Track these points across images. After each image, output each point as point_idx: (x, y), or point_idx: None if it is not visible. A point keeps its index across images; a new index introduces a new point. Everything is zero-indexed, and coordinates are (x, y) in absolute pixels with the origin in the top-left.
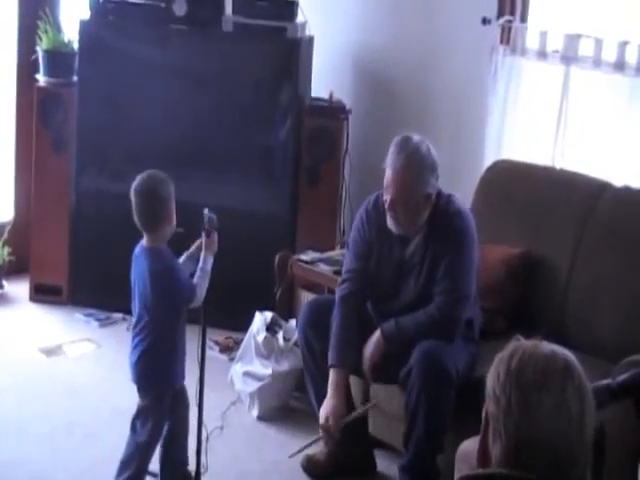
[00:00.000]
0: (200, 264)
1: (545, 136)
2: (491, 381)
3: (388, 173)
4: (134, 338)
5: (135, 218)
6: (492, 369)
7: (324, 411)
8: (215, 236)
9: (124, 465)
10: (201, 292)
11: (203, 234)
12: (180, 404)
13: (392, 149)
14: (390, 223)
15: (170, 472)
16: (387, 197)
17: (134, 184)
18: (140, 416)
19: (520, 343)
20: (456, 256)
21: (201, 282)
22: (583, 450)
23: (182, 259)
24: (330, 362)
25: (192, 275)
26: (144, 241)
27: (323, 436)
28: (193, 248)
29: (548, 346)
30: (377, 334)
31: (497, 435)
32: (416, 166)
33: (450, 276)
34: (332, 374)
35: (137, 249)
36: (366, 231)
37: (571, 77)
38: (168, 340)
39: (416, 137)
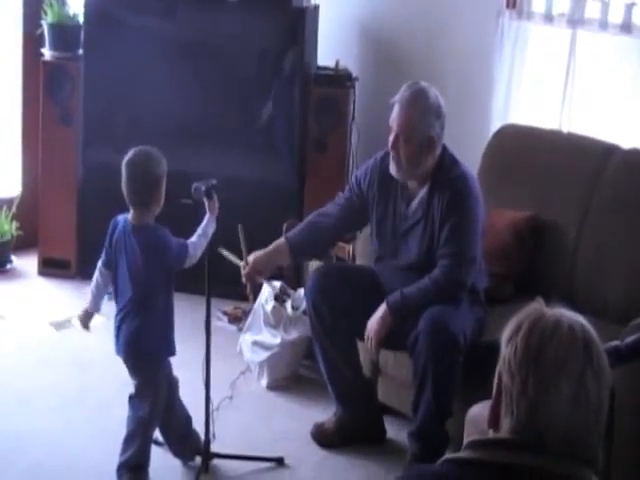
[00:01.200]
0: (202, 225)
1: (552, 100)
2: (507, 351)
3: (394, 110)
4: (124, 319)
5: (124, 192)
6: (508, 333)
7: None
8: (214, 200)
9: (127, 442)
10: (195, 251)
11: (205, 199)
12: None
13: (401, 89)
14: (392, 167)
15: (175, 434)
16: (391, 135)
17: (127, 158)
18: (138, 393)
19: (541, 314)
20: (460, 218)
21: (198, 242)
22: (598, 433)
23: (198, 234)
24: (286, 235)
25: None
26: (131, 218)
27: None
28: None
29: (567, 319)
30: (382, 308)
31: (509, 409)
32: (421, 103)
33: (454, 239)
34: (279, 241)
35: (120, 227)
36: (372, 173)
37: (578, 40)
38: (164, 311)
39: (425, 83)
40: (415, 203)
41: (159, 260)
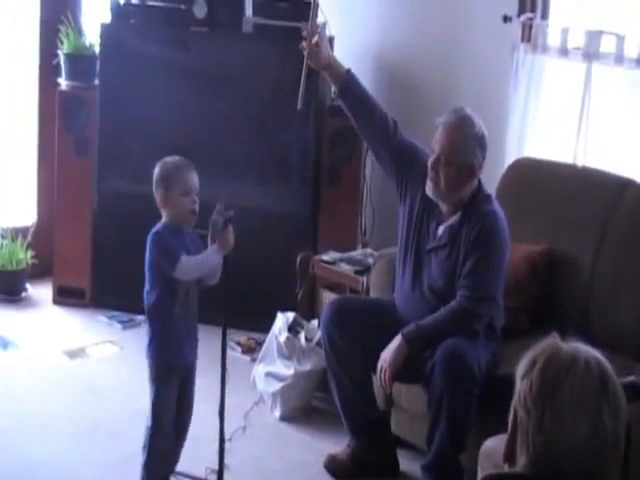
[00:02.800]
0: (207, 251)
1: (567, 134)
2: (523, 386)
3: (438, 131)
4: None
5: None
6: (524, 369)
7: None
8: (228, 232)
9: (143, 449)
10: (188, 265)
11: (210, 226)
12: (186, 407)
13: (446, 113)
14: (428, 187)
15: None
16: (432, 157)
17: None
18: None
19: (557, 349)
20: (485, 255)
21: (195, 259)
22: (614, 469)
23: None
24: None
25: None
26: None
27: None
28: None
29: (583, 354)
30: (398, 339)
31: (525, 445)
32: (466, 129)
33: (476, 273)
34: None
35: None
36: (422, 164)
37: (593, 74)
38: (160, 313)
39: (472, 111)
40: (444, 227)
41: (152, 251)
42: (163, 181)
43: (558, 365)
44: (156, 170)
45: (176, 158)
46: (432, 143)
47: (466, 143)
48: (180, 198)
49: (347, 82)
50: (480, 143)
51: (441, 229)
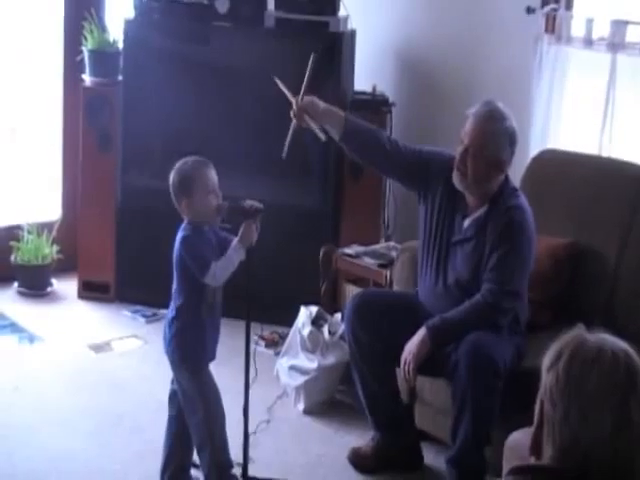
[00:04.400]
0: (230, 249)
1: (592, 125)
2: (549, 379)
3: (468, 122)
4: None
5: None
6: (550, 361)
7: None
8: (252, 227)
9: (166, 460)
10: (217, 271)
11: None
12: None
13: (478, 104)
14: (455, 177)
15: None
16: (460, 147)
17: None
18: (172, 399)
19: (583, 341)
20: (511, 249)
21: (222, 264)
22: None
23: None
24: (347, 115)
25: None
26: None
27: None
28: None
29: (609, 346)
30: (421, 332)
31: (551, 437)
32: (497, 123)
33: (501, 268)
34: (340, 110)
35: None
36: (439, 172)
37: (618, 65)
38: (188, 313)
39: (503, 106)
40: (470, 220)
41: (179, 263)
42: (184, 184)
43: (584, 358)
44: (173, 175)
45: (191, 159)
46: (461, 134)
47: (496, 137)
48: (205, 198)
49: (346, 129)
50: (510, 138)
51: (467, 222)
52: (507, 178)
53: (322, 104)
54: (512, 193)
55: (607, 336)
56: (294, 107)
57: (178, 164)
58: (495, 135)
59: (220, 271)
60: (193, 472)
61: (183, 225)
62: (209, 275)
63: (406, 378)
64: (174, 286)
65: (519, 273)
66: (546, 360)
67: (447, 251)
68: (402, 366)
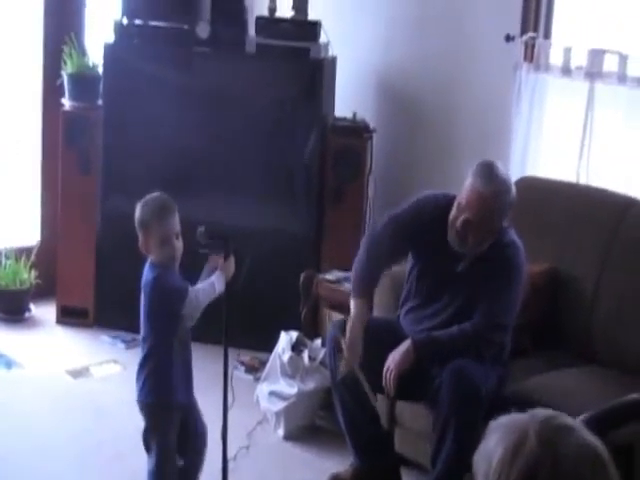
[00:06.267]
0: (211, 279)
1: (570, 153)
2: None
3: (470, 195)
4: (140, 362)
5: None
6: (513, 442)
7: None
8: (232, 260)
9: None
10: (196, 298)
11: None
12: (194, 437)
13: (478, 172)
14: (452, 239)
15: None
16: (462, 216)
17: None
18: (146, 438)
19: (524, 437)
20: (504, 285)
21: (201, 289)
22: None
23: (198, 287)
24: (354, 294)
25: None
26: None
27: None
28: (205, 271)
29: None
30: (407, 343)
31: None
32: (502, 198)
33: (494, 301)
34: (356, 304)
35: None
36: (432, 216)
37: (596, 93)
38: (164, 354)
39: (502, 167)
40: (464, 263)
41: (157, 293)
42: (142, 227)
43: (527, 456)
44: (136, 212)
45: (156, 199)
46: (460, 198)
47: (501, 212)
48: (159, 246)
49: (371, 302)
50: (511, 206)
51: (461, 266)
52: None
53: (355, 328)
54: (506, 231)
55: (568, 421)
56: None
57: (141, 202)
58: (500, 211)
59: (201, 296)
60: None
61: (147, 266)
62: (188, 301)
63: (387, 387)
64: (142, 333)
65: (511, 308)
66: (507, 442)
67: (436, 291)
68: (384, 373)
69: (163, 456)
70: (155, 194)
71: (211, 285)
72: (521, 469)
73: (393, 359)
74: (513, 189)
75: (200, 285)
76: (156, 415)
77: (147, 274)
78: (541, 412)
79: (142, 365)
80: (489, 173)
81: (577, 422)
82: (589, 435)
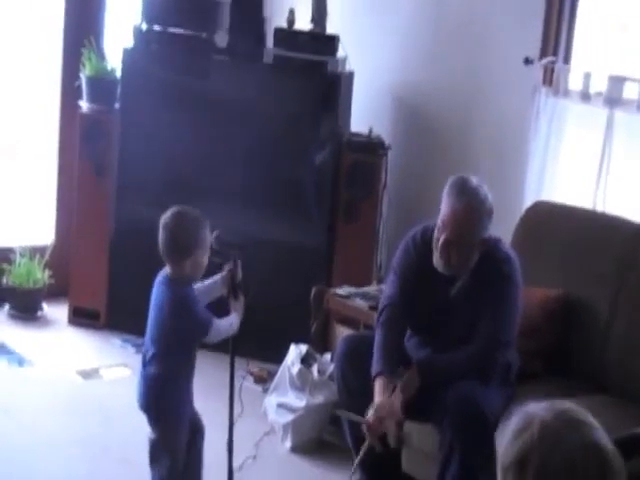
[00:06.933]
0: (230, 319)
1: (587, 179)
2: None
3: (446, 213)
4: (145, 367)
5: (160, 249)
6: (516, 426)
7: (372, 410)
8: (242, 300)
9: None
10: (218, 332)
11: (226, 269)
12: (196, 437)
13: (450, 190)
14: (438, 262)
15: None
16: (442, 236)
17: (163, 217)
18: (154, 450)
19: (530, 423)
20: (502, 302)
21: (223, 326)
22: None
23: (203, 284)
24: (376, 371)
25: (210, 309)
26: (167, 270)
27: (369, 435)
28: (217, 279)
29: (578, 447)
30: (412, 370)
31: None
32: (476, 210)
33: (494, 320)
34: (379, 382)
35: (159, 277)
36: (413, 258)
37: (615, 120)
38: (179, 370)
39: (474, 180)
40: (458, 286)
41: (180, 319)
42: (201, 241)
43: (552, 454)
44: (185, 223)
45: (191, 214)
46: (440, 220)
47: (478, 226)
48: (204, 258)
49: (392, 379)
50: (489, 215)
51: (454, 290)
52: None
53: (382, 399)
54: (495, 246)
55: (574, 412)
56: (368, 425)
57: (188, 214)
58: (477, 225)
59: (222, 330)
60: None
61: (170, 284)
62: (212, 333)
63: (393, 418)
64: (155, 351)
65: (511, 323)
66: (510, 431)
67: (435, 319)
68: (389, 407)
69: (174, 466)
70: (187, 208)
71: (230, 325)
72: (516, 452)
73: (400, 388)
74: (488, 198)
75: (221, 322)
76: (169, 428)
77: (167, 289)
78: (562, 404)
79: (158, 378)
80: (461, 187)
81: (596, 423)
82: (603, 438)
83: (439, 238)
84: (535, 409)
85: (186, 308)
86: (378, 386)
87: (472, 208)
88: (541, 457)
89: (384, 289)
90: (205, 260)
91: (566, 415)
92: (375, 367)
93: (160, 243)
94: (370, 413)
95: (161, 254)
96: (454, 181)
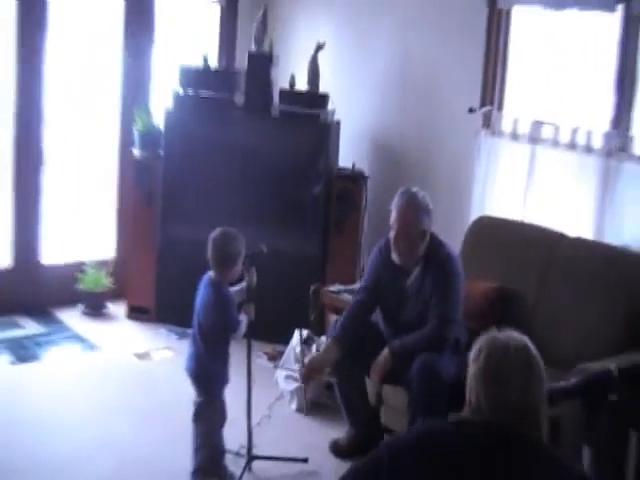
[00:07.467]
0: (244, 320)
1: (516, 198)
2: (474, 368)
3: (393, 214)
4: (191, 347)
5: (208, 259)
6: (474, 355)
7: (308, 360)
8: (251, 306)
9: (195, 452)
10: (241, 331)
11: (246, 272)
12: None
13: (397, 197)
14: (394, 255)
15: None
16: (392, 233)
17: (212, 234)
18: (199, 410)
19: (494, 341)
20: (446, 290)
21: (242, 327)
22: (544, 415)
23: (234, 289)
24: (331, 333)
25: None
26: (212, 275)
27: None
28: (244, 285)
29: (513, 342)
30: (385, 351)
31: (477, 402)
32: (414, 207)
33: (441, 304)
34: (328, 341)
35: (205, 278)
36: (378, 260)
37: (536, 154)
38: (217, 353)
39: (415, 188)
40: (412, 278)
41: (222, 316)
42: (241, 255)
43: (497, 354)
44: (229, 241)
45: (233, 233)
46: (391, 222)
47: (416, 218)
48: (240, 266)
49: (341, 346)
50: (426, 211)
51: (410, 280)
52: (432, 236)
53: (317, 356)
54: (439, 246)
55: (513, 334)
56: (300, 374)
57: (232, 237)
58: (415, 217)
59: (242, 330)
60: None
61: (215, 286)
62: (238, 330)
63: (375, 385)
64: (203, 333)
65: (456, 304)
66: (472, 355)
67: (400, 305)
68: (371, 376)
69: (217, 420)
70: (229, 228)
71: (244, 324)
72: (474, 351)
73: (376, 365)
74: (425, 199)
75: (242, 323)
76: (212, 394)
77: (212, 291)
78: (505, 333)
79: (201, 358)
80: (404, 192)
81: (525, 338)
82: (533, 348)
83: (391, 236)
84: (488, 334)
85: (226, 307)
86: (325, 344)
87: (411, 204)
88: (489, 347)
89: (363, 277)
90: (240, 268)
91: (509, 331)
92: (331, 330)
93: (209, 254)
94: (305, 361)
95: (210, 263)
96: (400, 190)
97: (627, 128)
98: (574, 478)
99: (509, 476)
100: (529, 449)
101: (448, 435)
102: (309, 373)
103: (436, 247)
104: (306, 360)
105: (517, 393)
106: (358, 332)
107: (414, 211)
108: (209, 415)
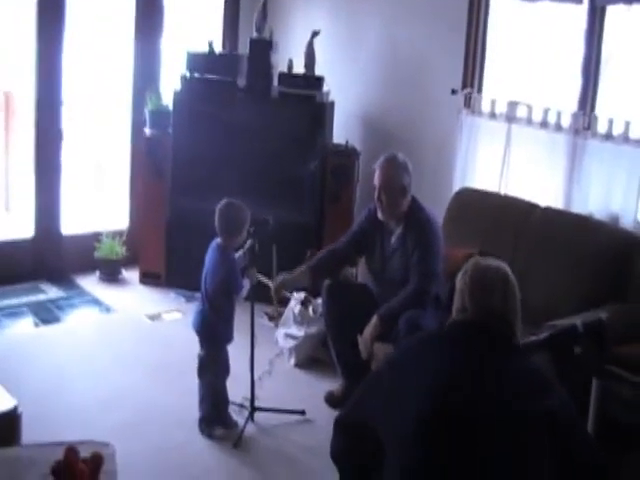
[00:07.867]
0: (246, 285)
1: (494, 171)
2: (461, 283)
3: (376, 172)
4: (198, 306)
5: (216, 227)
6: (461, 274)
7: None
8: (254, 271)
9: (201, 402)
10: (243, 292)
11: (249, 240)
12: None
13: (380, 158)
14: (378, 212)
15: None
16: (376, 190)
17: (219, 205)
18: (202, 363)
19: (478, 263)
20: (426, 249)
21: (245, 288)
22: (519, 319)
23: (238, 254)
24: (307, 263)
25: (242, 270)
26: (219, 240)
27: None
28: (245, 251)
29: (493, 265)
30: (375, 318)
31: (461, 307)
32: (394, 163)
33: (422, 262)
34: (303, 269)
35: (213, 243)
36: (366, 219)
37: (512, 132)
38: (221, 311)
39: (396, 151)
40: (394, 237)
41: (227, 277)
42: (245, 224)
43: (481, 270)
44: (235, 211)
45: (238, 203)
46: (374, 181)
47: (396, 173)
48: (245, 234)
49: (313, 274)
50: (405, 169)
51: (393, 239)
52: (414, 199)
53: (288, 277)
54: (419, 210)
55: (492, 260)
56: (272, 288)
57: (237, 206)
58: (395, 172)
59: (245, 291)
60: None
61: (222, 251)
62: (241, 294)
63: (366, 347)
64: (210, 293)
65: (435, 261)
66: (459, 275)
67: (385, 261)
68: (363, 339)
69: (220, 371)
70: (234, 200)
71: (247, 287)
72: (459, 275)
73: (367, 331)
74: (405, 159)
75: (245, 285)
76: (215, 348)
77: (220, 255)
78: (486, 259)
79: (207, 315)
80: (385, 154)
81: (504, 263)
82: (510, 272)
83: (375, 193)
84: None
85: (232, 270)
86: (299, 269)
87: (392, 162)
88: (474, 266)
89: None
90: (245, 236)
91: (491, 259)
92: (308, 261)
93: (217, 223)
94: (276, 280)
95: (217, 231)
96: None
97: (592, 109)
98: (542, 380)
99: (490, 363)
100: (506, 344)
101: (436, 331)
102: (279, 288)
103: (417, 210)
104: (279, 278)
105: (498, 300)
106: (331, 272)
107: (395, 168)
108: (213, 367)
